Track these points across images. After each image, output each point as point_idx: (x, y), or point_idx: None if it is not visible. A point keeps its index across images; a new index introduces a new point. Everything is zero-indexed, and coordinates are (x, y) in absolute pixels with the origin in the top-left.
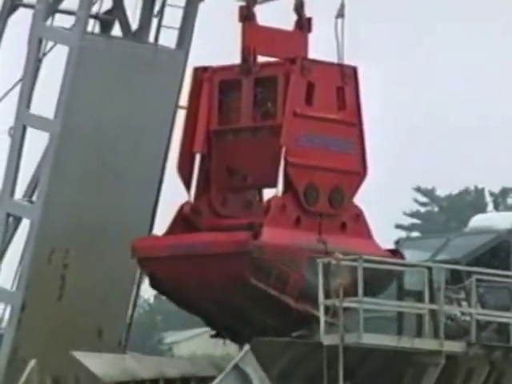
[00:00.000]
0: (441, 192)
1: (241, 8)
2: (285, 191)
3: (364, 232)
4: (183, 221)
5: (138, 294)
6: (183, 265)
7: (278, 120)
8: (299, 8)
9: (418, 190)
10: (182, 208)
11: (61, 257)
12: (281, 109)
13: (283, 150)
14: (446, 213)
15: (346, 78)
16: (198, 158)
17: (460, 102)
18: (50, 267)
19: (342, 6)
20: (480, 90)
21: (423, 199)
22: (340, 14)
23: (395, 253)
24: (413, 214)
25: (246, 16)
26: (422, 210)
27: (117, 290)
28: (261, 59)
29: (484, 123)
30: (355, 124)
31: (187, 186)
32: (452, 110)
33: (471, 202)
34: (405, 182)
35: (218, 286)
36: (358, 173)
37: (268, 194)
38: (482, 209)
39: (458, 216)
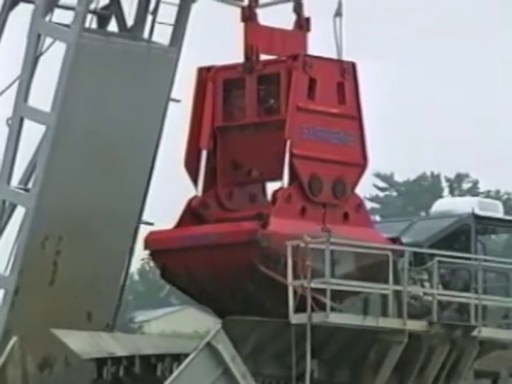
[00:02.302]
0: (399, 177)
1: (243, 9)
2: (290, 182)
3: (365, 221)
4: (192, 214)
5: (126, 279)
6: (194, 256)
7: (282, 115)
8: (298, 8)
9: (378, 175)
10: (190, 202)
11: (54, 243)
12: (284, 104)
13: (288, 142)
14: (403, 197)
15: (345, 73)
16: (204, 154)
17: (435, 95)
18: (43, 253)
19: (340, 5)
20: (467, 86)
21: (382, 184)
22: (338, 13)
23: (395, 240)
24: (372, 199)
25: (249, 16)
26: (381, 194)
27: (106, 276)
28: (262, 57)
29: (448, 113)
30: (355, 117)
31: (194, 181)
32: (422, 101)
33: (428, 187)
34: (368, 166)
35: (229, 275)
36: (359, 164)
37: (272, 187)
38: (438, 194)
39: (416, 200)
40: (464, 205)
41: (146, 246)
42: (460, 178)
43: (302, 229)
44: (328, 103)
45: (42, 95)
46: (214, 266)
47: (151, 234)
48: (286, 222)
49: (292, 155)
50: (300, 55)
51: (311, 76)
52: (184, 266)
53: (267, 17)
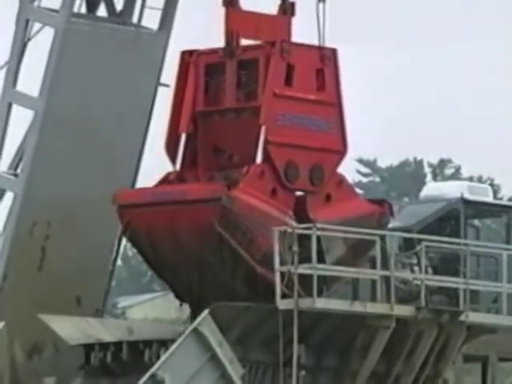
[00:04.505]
0: (382, 163)
1: None
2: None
3: (348, 194)
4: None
5: (115, 264)
6: (155, 212)
7: (260, 101)
8: None
9: (361, 161)
10: (167, 175)
11: (42, 229)
12: (262, 90)
13: (263, 129)
14: (386, 183)
15: (325, 59)
16: (183, 137)
17: (419, 82)
18: (31, 239)
19: None
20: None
21: (365, 170)
22: None
23: (382, 203)
24: (355, 185)
25: (230, 1)
26: (364, 180)
27: (95, 260)
28: (246, 43)
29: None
30: (335, 104)
31: (174, 164)
32: (406, 88)
33: (411, 172)
34: (348, 153)
35: (187, 234)
36: (338, 151)
37: None
38: (421, 179)
39: (399, 186)
40: (453, 189)
41: (113, 200)
42: (443, 163)
43: (268, 206)
44: (306, 90)
45: (31, 80)
46: (172, 224)
47: (121, 190)
48: (253, 194)
49: (267, 141)
50: (278, 41)
51: (289, 62)
52: (145, 223)
53: (254, 1)
